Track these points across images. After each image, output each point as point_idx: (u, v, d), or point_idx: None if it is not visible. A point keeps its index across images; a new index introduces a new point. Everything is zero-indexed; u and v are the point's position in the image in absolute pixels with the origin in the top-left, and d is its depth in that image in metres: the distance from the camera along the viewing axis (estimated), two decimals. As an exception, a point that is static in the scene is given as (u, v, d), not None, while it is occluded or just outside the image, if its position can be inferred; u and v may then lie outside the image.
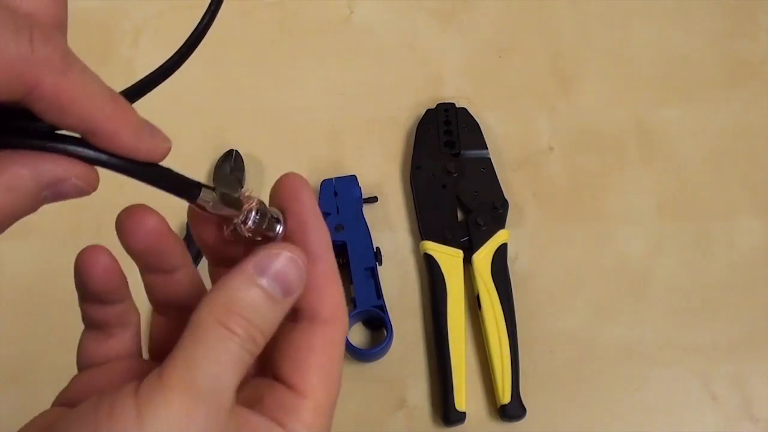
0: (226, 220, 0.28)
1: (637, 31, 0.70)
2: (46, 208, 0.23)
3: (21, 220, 0.23)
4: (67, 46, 0.23)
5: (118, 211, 0.27)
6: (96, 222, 0.59)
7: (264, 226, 0.28)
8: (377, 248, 0.58)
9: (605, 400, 0.55)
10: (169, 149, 0.25)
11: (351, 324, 0.56)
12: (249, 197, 0.28)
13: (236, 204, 0.27)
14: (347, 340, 0.54)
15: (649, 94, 0.67)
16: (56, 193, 0.23)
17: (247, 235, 0.28)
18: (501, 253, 0.58)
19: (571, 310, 0.58)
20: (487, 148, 0.62)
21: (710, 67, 0.68)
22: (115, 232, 0.27)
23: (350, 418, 0.54)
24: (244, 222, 0.27)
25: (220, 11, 0.28)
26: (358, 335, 0.57)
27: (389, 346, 0.55)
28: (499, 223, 0.59)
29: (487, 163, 0.62)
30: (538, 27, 0.70)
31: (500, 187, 0.61)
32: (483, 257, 0.57)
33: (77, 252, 0.27)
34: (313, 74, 0.67)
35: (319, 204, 0.58)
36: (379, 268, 0.57)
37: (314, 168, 0.63)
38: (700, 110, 0.66)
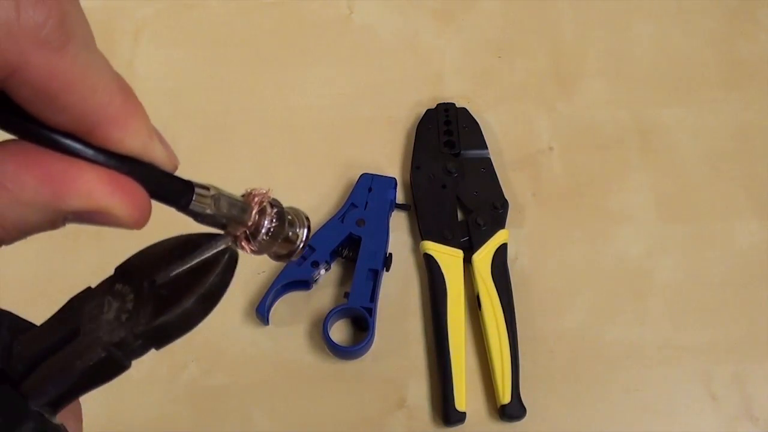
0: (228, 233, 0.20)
1: (637, 31, 0.70)
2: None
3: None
4: (71, 7, 0.17)
5: None
6: (96, 222, 0.59)
7: (282, 236, 0.20)
8: (390, 254, 0.58)
9: (605, 400, 0.55)
10: (177, 167, 0.20)
11: (337, 318, 0.56)
12: (253, 195, 0.20)
13: (239, 209, 0.20)
14: (327, 335, 0.54)
15: (649, 94, 0.67)
16: (83, 219, 0.18)
17: (254, 250, 0.20)
18: (501, 253, 0.58)
19: (571, 310, 0.58)
20: (487, 148, 0.62)
21: (710, 67, 0.68)
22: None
23: (350, 418, 0.54)
24: (254, 234, 0.20)
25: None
26: (343, 332, 0.57)
27: (367, 349, 0.55)
28: (499, 223, 0.59)
29: (487, 163, 0.62)
30: (538, 27, 0.70)
31: (500, 187, 0.61)
32: (483, 257, 0.57)
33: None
34: (313, 74, 0.67)
35: (352, 195, 0.58)
36: (384, 274, 0.57)
37: (314, 168, 0.63)
38: (700, 110, 0.66)
